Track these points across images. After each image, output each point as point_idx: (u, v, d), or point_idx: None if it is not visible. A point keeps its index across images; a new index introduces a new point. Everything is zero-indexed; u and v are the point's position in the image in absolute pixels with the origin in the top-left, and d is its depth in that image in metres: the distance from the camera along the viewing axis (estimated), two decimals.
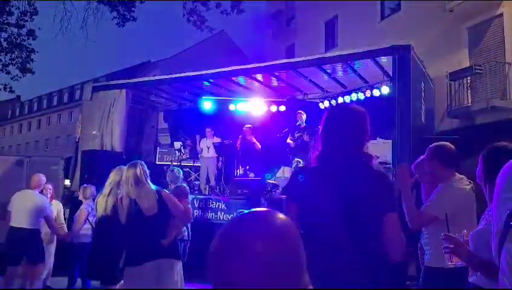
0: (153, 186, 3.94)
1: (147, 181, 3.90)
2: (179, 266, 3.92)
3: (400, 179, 2.91)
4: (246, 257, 0.78)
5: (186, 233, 6.12)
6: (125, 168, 4.04)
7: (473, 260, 2.12)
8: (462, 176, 3.12)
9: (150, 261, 3.69)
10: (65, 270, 6.61)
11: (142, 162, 4.05)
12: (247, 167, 9.79)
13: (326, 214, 1.92)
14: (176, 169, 6.56)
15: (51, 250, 6.74)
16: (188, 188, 5.28)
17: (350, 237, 1.89)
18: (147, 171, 3.99)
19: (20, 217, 5.72)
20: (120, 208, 3.90)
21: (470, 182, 3.01)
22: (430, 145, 3.13)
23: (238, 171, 9.94)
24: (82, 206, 6.32)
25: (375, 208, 1.92)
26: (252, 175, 9.61)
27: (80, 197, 6.56)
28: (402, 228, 2.02)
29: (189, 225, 6.16)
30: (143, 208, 3.79)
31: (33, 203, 5.84)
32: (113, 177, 4.56)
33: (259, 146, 9.93)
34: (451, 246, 2.20)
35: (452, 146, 3.11)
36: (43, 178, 6.22)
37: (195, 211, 7.87)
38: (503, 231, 1.10)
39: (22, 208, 5.76)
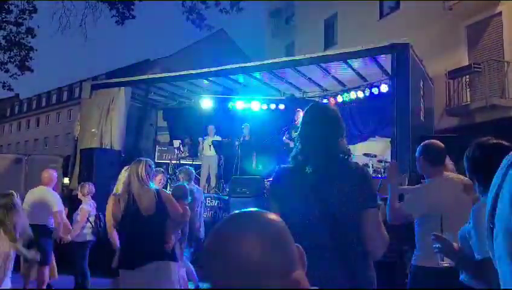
0: (152, 186, 3.82)
1: (148, 180, 3.79)
2: (175, 267, 3.82)
3: (388, 176, 3.19)
4: (235, 256, 0.80)
5: (202, 231, 6.19)
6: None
7: (460, 260, 2.14)
8: (453, 174, 3.14)
9: (147, 263, 3.59)
10: (68, 269, 6.55)
11: (148, 160, 3.93)
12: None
13: (306, 213, 1.91)
14: (190, 168, 6.60)
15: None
16: (187, 188, 5.17)
17: (330, 237, 1.88)
18: (151, 170, 3.88)
19: (30, 213, 5.69)
20: (117, 204, 3.76)
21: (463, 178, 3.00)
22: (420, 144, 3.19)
23: (237, 169, 9.94)
24: (82, 206, 6.30)
25: (354, 205, 1.91)
26: (255, 166, 9.69)
27: (79, 196, 6.55)
28: (396, 227, 2.02)
29: (203, 223, 6.26)
30: (141, 207, 3.66)
31: (44, 198, 5.85)
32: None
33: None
34: (440, 246, 2.22)
35: (440, 144, 3.12)
36: (55, 174, 6.21)
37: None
38: None
39: (32, 204, 5.77)
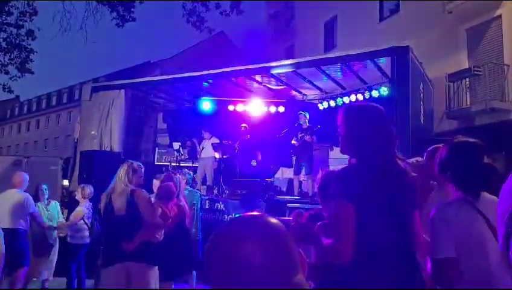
0: (132, 186, 3.83)
1: (130, 180, 3.81)
2: (152, 271, 3.75)
3: None
4: (237, 258, 0.81)
5: (197, 232, 6.07)
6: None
7: None
8: None
9: (117, 263, 3.61)
10: (62, 271, 6.56)
11: (132, 162, 3.96)
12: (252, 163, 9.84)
13: (381, 213, 1.94)
14: (187, 171, 6.63)
15: (55, 250, 6.61)
16: (172, 189, 4.93)
17: (399, 237, 1.94)
18: (137, 170, 3.89)
19: (2, 216, 5.60)
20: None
21: None
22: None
23: (237, 171, 9.93)
24: (79, 207, 6.31)
25: (409, 207, 2.00)
26: (254, 163, 9.65)
27: (78, 197, 6.54)
28: None
29: (199, 224, 6.14)
30: (115, 208, 3.73)
31: (15, 201, 5.77)
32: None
33: (259, 158, 9.92)
34: None
35: None
36: (26, 176, 6.13)
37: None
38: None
39: (5, 207, 5.67)
